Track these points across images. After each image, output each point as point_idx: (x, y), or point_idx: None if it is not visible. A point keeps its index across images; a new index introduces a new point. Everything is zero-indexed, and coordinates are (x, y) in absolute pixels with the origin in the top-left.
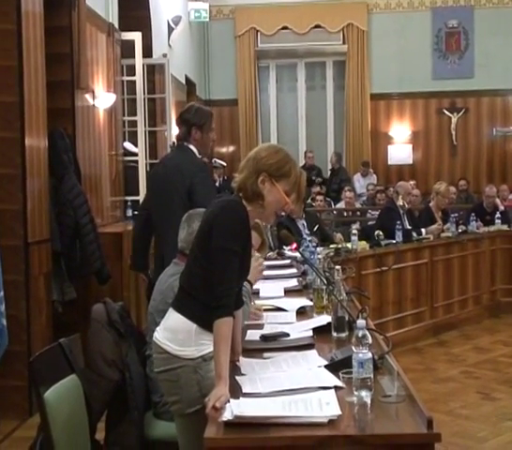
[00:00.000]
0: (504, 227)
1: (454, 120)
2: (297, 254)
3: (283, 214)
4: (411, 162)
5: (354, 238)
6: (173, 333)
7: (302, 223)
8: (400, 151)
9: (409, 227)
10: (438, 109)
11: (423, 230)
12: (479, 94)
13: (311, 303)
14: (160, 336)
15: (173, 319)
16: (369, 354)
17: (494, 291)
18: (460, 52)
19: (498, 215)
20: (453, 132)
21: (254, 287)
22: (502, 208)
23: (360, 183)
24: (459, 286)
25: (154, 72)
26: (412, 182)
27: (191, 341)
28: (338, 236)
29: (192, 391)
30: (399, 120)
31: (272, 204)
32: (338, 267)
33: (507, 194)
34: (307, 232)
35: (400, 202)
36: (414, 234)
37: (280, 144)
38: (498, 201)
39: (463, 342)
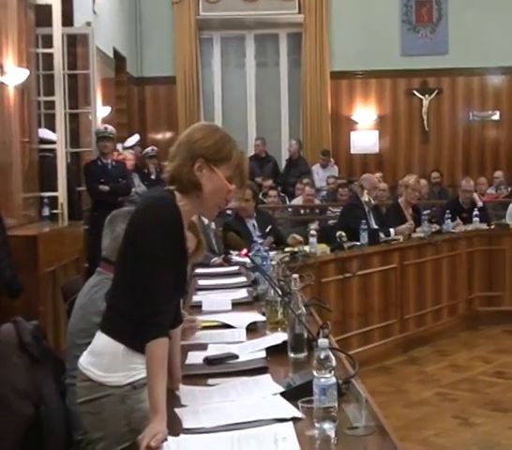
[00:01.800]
0: (483, 226)
1: (425, 103)
2: (247, 260)
3: (229, 207)
4: (377, 151)
5: (313, 240)
6: (98, 356)
7: (253, 223)
8: (365, 138)
9: (375, 226)
10: (407, 90)
11: (391, 230)
12: (454, 73)
13: (264, 318)
14: (84, 361)
15: (99, 341)
16: (333, 379)
17: (472, 299)
18: (432, 25)
19: (476, 212)
20: (424, 117)
21: (195, 299)
22: (480, 204)
23: (319, 175)
24: (433, 294)
25: (75, 44)
26: (378, 174)
27: (118, 366)
28: (294, 237)
29: (119, 425)
30: (364, 102)
31: (213, 195)
32: (294, 275)
33: (486, 188)
34: (258, 233)
35: (365, 198)
36: (382, 235)
37: (227, 130)
38: (476, 196)
39: (437, 359)
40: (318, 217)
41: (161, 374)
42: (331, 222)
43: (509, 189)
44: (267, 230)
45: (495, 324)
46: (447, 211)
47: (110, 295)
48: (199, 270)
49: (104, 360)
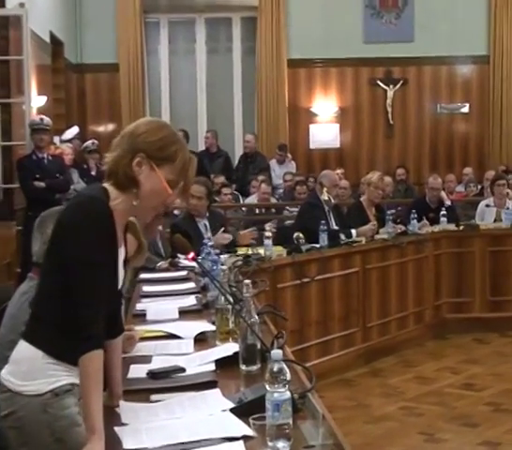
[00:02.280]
0: (451, 226)
1: (390, 94)
2: (196, 264)
3: (176, 207)
4: (338, 146)
5: (268, 242)
6: (16, 364)
7: (204, 224)
8: (325, 132)
9: (336, 227)
10: (371, 79)
11: (353, 231)
12: (420, 62)
13: (213, 327)
14: (4, 371)
15: (19, 348)
16: (287, 394)
17: (439, 305)
18: (398, 11)
19: (443, 211)
20: (389, 109)
21: (139, 306)
22: (448, 203)
23: (275, 172)
24: (398, 300)
25: (8, 27)
26: (339, 171)
27: (37, 372)
28: (245, 234)
29: (43, 436)
30: (324, 93)
31: (150, 196)
32: (247, 281)
33: (455, 186)
34: (209, 235)
35: (325, 197)
36: (343, 237)
37: (176, 123)
38: (443, 194)
39: (402, 371)
40: (274, 216)
41: (97, 389)
42: (288, 223)
43: (479, 187)
44: (220, 232)
45: (464, 333)
46: (413, 211)
47: (34, 302)
48: (143, 275)
49: (22, 367)
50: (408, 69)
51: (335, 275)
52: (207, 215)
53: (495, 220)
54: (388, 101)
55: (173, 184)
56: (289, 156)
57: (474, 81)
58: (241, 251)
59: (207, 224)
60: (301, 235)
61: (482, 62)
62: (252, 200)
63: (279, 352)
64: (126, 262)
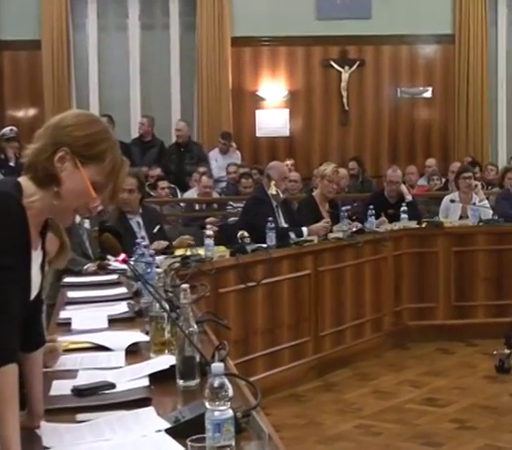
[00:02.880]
0: (413, 224)
1: (345, 76)
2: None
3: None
4: (287, 134)
5: (209, 242)
6: None
7: (137, 221)
8: (273, 118)
9: (285, 225)
10: (324, 60)
11: (304, 229)
12: (379, 41)
13: (147, 338)
14: None
15: None
16: (230, 412)
17: (399, 311)
18: None
19: (404, 207)
20: (344, 93)
21: (63, 314)
22: (409, 198)
23: (218, 162)
24: (354, 306)
25: None
26: (289, 162)
27: None
28: (184, 240)
29: None
30: (272, 75)
31: (71, 196)
32: (185, 285)
33: (416, 179)
34: (143, 234)
35: (273, 191)
36: (292, 235)
37: (105, 107)
38: (404, 188)
39: (358, 384)
40: (216, 213)
41: (11, 409)
42: (231, 220)
43: (443, 181)
44: (155, 230)
45: (427, 341)
46: (370, 206)
47: None
48: (68, 279)
49: None
50: (365, 49)
51: (284, 278)
52: (140, 211)
53: (461, 217)
54: (343, 85)
55: (99, 186)
56: (233, 145)
57: (437, 62)
58: (179, 252)
59: (140, 221)
60: (246, 234)
61: (447, 41)
62: (192, 194)
63: (221, 365)
64: (45, 264)
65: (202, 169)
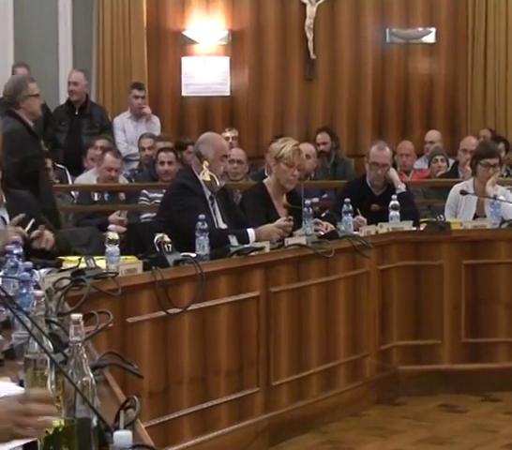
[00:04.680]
0: (406, 225)
1: (311, 10)
2: None
3: None
4: (227, 93)
5: (113, 249)
6: None
7: (1, 217)
8: (207, 70)
9: (223, 225)
10: None
11: (251, 231)
12: None
13: (22, 389)
14: None
15: None
16: None
17: (387, 351)
18: None
19: (394, 201)
20: (309, 35)
21: None
22: (401, 188)
23: (127, 133)
24: (322, 343)
25: None
26: (229, 133)
27: None
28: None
29: None
30: (205, 9)
31: None
32: (76, 315)
33: (412, 160)
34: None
35: (206, 176)
36: (234, 241)
37: None
38: (394, 173)
39: None
40: (123, 207)
41: None
42: (145, 217)
43: (451, 163)
44: (29, 227)
45: (426, 395)
46: (346, 200)
47: None
48: None
49: None
50: None
51: (221, 302)
52: (4, 201)
53: (476, 216)
54: (308, 23)
55: None
56: (147, 108)
57: None
58: (69, 263)
59: (6, 216)
60: (167, 238)
61: None
62: (89, 178)
63: (127, 433)
64: None
65: (102, 142)
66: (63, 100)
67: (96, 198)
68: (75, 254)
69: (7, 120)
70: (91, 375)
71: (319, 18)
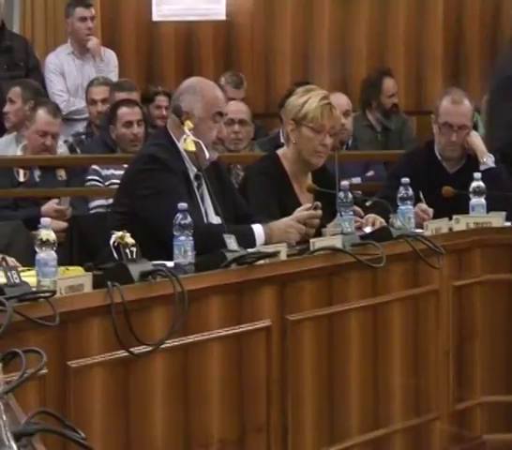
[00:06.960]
0: (497, 218)
1: None
2: None
3: None
4: (222, 17)
5: (48, 256)
6: None
7: None
8: None
9: (215, 219)
10: None
11: (258, 228)
12: None
13: None
14: None
15: None
16: None
17: (466, 411)
18: None
19: (477, 182)
20: None
21: None
22: (489, 161)
23: (68, 77)
24: (366, 399)
25: None
26: (224, 78)
27: None
28: None
29: None
30: None
31: None
32: None
33: None
34: None
35: (190, 144)
36: (232, 242)
37: None
38: (477, 139)
39: None
40: (64, 191)
41: None
42: (96, 205)
43: None
44: None
45: None
46: (403, 180)
47: None
48: None
49: None
50: None
51: (211, 337)
52: None
53: None
54: None
55: None
56: (97, 40)
57: None
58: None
59: None
60: (129, 239)
61: None
62: (9, 147)
63: None
64: None
65: (30, 92)
66: None
67: (21, 178)
68: None
69: None
70: (14, 446)
71: None
